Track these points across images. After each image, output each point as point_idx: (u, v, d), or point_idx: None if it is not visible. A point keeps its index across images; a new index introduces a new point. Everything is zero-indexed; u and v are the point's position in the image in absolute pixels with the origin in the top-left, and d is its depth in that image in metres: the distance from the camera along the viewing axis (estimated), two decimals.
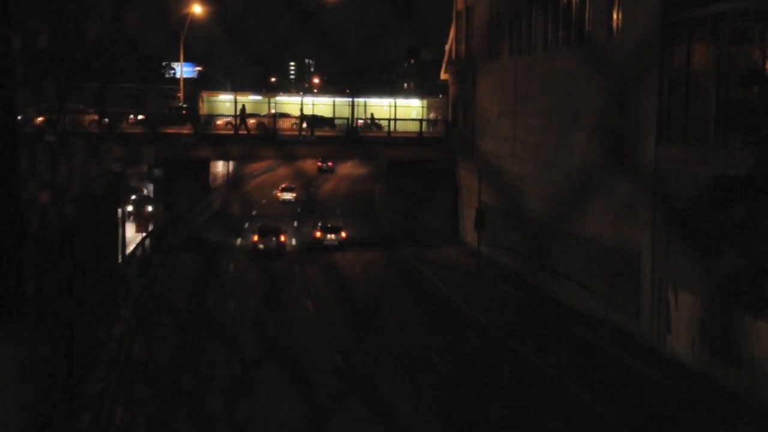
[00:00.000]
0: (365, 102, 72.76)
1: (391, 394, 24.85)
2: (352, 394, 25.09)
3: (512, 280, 41.39)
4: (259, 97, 73.77)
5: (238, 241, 52.54)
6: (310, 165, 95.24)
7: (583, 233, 35.22)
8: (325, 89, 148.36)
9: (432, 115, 70.24)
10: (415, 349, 29.87)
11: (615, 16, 34.01)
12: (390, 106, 71.15)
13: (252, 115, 61.42)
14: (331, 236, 50.76)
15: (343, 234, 51.25)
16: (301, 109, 61.80)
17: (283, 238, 48.78)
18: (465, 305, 36.77)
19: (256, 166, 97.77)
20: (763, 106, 24.76)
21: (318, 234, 51.16)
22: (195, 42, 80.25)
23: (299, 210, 67.09)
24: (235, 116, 57.36)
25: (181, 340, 30.32)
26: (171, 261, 44.91)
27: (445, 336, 31.92)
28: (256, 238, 48.07)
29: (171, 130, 54.58)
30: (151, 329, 31.47)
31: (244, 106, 60.91)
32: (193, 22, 69.17)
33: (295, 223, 59.38)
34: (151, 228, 46.86)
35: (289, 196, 73.29)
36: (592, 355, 29.69)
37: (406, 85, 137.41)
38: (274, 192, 76.12)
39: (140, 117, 59.95)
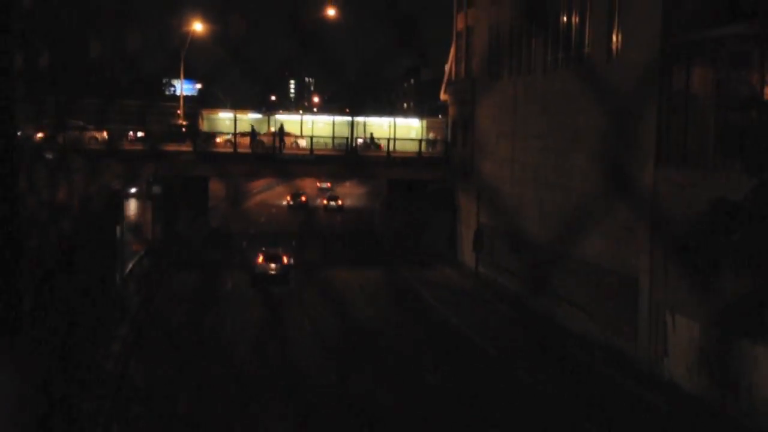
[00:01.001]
0: (365, 121, 72.86)
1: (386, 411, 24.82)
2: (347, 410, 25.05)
3: (510, 301, 41.32)
4: (258, 116, 73.85)
5: (236, 260, 52.50)
6: (309, 184, 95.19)
7: (582, 256, 35.20)
8: (324, 108, 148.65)
9: (431, 135, 70.31)
10: (411, 369, 29.87)
11: (614, 39, 34.11)
12: (389, 126, 71.26)
13: (247, 134, 61.50)
14: (271, 264, 46.08)
15: (285, 260, 46.45)
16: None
17: (285, 260, 46.41)
18: (462, 326, 36.71)
19: (256, 185, 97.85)
20: (762, 131, 24.80)
21: (259, 260, 46.46)
22: (195, 60, 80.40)
23: (297, 230, 66.96)
24: (274, 134, 58.16)
25: (178, 358, 30.27)
26: (169, 279, 44.84)
27: (440, 356, 31.90)
28: (261, 260, 45.90)
29: (171, 148, 54.66)
30: (148, 348, 31.42)
31: (282, 124, 61.72)
32: (194, 40, 69.37)
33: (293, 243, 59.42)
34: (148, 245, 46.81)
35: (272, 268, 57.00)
36: (588, 378, 29.62)
37: (405, 104, 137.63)
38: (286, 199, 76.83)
39: (140, 134, 60.03)
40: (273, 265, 45.85)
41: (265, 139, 60.24)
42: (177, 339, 33.01)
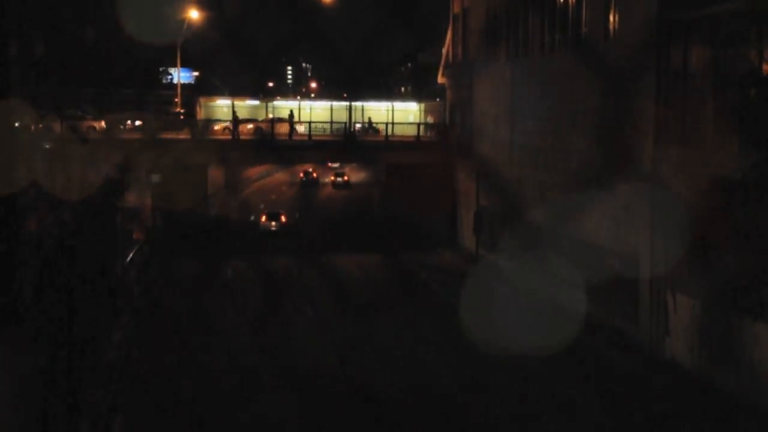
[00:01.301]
0: (362, 106, 72.78)
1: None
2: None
3: (509, 283, 41.30)
4: (256, 102, 73.79)
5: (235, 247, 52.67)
6: (311, 168, 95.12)
7: (582, 236, 35.19)
8: (322, 93, 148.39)
9: (429, 119, 70.25)
10: (412, 351, 29.97)
11: (611, 19, 34.00)
12: (387, 110, 71.20)
13: (249, 120, 61.44)
14: (272, 222, 57.58)
15: (283, 219, 58.11)
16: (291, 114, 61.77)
17: (284, 219, 58.15)
18: (461, 307, 36.72)
19: (254, 171, 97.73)
20: (760, 108, 24.75)
21: (262, 219, 58.60)
22: (192, 47, 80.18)
23: (297, 216, 66.96)
24: (290, 120, 58.42)
25: (179, 346, 30.32)
26: (169, 266, 44.88)
27: (440, 336, 32.03)
28: (264, 219, 57.86)
29: (169, 136, 54.58)
30: (149, 336, 31.48)
31: (292, 111, 61.80)
32: (190, 27, 69.21)
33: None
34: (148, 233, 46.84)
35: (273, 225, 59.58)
36: (589, 358, 29.65)
37: (403, 88, 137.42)
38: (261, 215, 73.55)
39: (137, 123, 59.97)
40: (273, 223, 57.41)
41: (263, 126, 60.16)
42: (178, 326, 33.08)
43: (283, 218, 57.83)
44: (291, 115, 61.24)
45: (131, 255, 41.33)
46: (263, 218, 58.06)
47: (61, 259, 18.63)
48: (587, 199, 34.46)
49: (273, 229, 56.46)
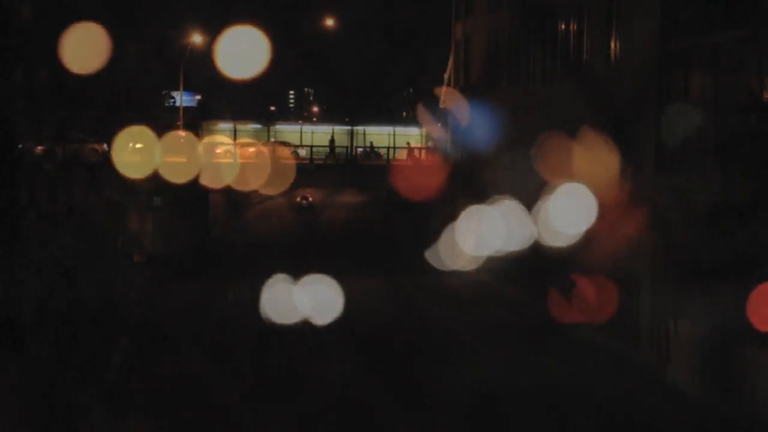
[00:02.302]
0: (364, 130, 72.97)
1: None
2: None
3: (511, 307, 41.26)
4: (258, 126, 74.04)
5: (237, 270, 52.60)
6: (310, 193, 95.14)
7: (583, 261, 35.14)
8: (324, 118, 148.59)
9: (431, 144, 70.39)
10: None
11: (613, 45, 34.16)
12: (389, 135, 71.39)
13: (251, 144, 61.64)
14: (303, 201, 73.03)
15: (310, 198, 73.17)
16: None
17: (311, 198, 73.05)
18: (464, 333, 36.64)
19: (256, 194, 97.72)
20: (761, 135, 24.83)
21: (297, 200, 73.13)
22: (194, 71, 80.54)
23: (300, 240, 66.82)
24: (331, 145, 58.75)
25: (178, 370, 30.26)
26: (170, 289, 44.82)
27: (438, 357, 31.97)
28: (298, 199, 72.58)
29: (171, 159, 54.68)
30: (149, 358, 31.41)
31: (332, 136, 62.09)
32: (193, 51, 69.51)
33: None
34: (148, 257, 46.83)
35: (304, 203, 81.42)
36: (591, 383, 29.56)
37: (404, 113, 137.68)
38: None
39: (138, 145, 60.06)
40: (304, 201, 72.87)
41: (265, 150, 60.40)
42: (177, 350, 33.00)
43: (310, 198, 72.77)
44: (332, 140, 61.78)
45: (132, 277, 41.40)
46: (298, 198, 72.97)
47: (62, 282, 18.67)
48: (589, 223, 34.44)
49: (304, 205, 72.69)
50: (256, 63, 54.05)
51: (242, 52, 52.53)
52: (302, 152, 63.56)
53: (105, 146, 56.20)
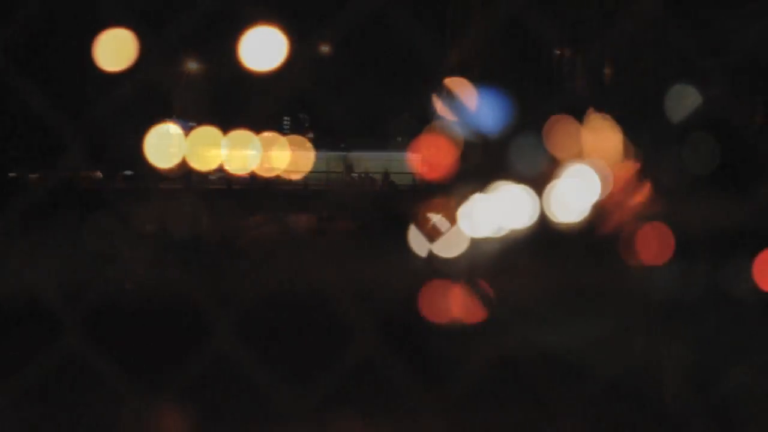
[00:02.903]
0: (360, 156, 73.00)
1: None
2: None
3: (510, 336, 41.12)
4: (254, 152, 73.93)
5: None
6: (302, 218, 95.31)
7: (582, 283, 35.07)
8: (319, 144, 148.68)
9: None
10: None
11: (607, 72, 34.23)
12: (385, 161, 71.38)
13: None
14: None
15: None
16: None
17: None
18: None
19: (253, 220, 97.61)
20: (757, 158, 24.83)
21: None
22: (188, 98, 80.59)
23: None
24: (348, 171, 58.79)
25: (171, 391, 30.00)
26: (161, 316, 44.49)
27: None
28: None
29: (165, 186, 54.63)
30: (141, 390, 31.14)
31: (348, 161, 62.18)
32: (188, 77, 69.57)
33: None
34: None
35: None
36: (583, 406, 29.38)
37: (400, 138, 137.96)
38: None
39: (129, 172, 60.12)
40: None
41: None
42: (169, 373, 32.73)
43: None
44: (348, 165, 61.76)
45: (121, 305, 41.08)
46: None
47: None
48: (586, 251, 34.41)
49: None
50: None
51: None
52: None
53: (98, 173, 56.20)
